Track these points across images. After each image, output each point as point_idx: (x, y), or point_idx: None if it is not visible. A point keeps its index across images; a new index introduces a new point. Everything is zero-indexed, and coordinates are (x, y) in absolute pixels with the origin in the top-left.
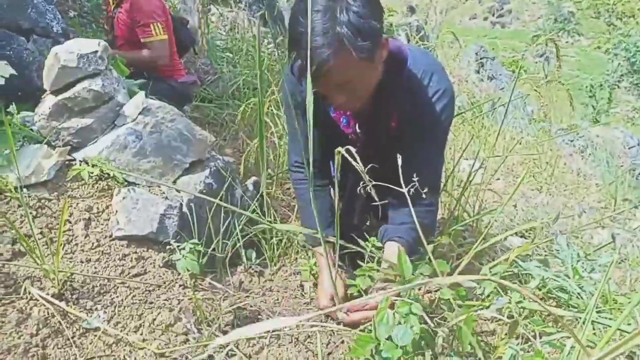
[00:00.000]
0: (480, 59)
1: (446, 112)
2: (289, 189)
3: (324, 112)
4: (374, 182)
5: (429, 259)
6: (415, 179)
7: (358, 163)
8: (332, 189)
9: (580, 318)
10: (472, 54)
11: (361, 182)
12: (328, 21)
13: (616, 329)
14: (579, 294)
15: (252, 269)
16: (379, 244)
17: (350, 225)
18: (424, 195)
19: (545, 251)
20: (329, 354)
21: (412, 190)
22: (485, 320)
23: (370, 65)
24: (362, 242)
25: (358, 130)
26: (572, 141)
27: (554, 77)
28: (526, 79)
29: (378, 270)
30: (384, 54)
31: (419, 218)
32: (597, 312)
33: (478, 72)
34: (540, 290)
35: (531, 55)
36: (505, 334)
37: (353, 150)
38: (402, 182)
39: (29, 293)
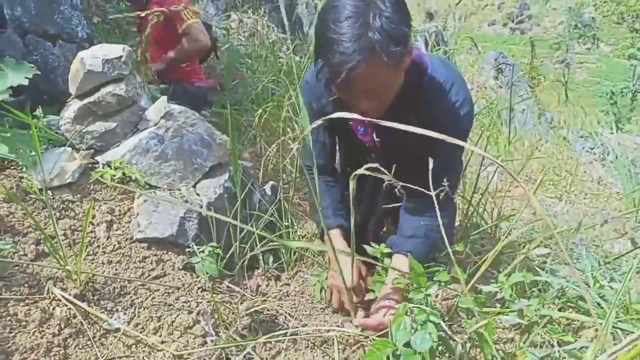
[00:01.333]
0: (499, 65)
1: (465, 121)
2: (305, 194)
3: (343, 122)
4: (398, 183)
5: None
6: (430, 189)
7: (376, 176)
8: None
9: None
10: (491, 60)
11: (381, 189)
12: (360, 27)
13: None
14: (598, 303)
15: (270, 273)
16: (388, 250)
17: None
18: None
19: (564, 260)
20: (345, 359)
21: (427, 200)
22: (503, 328)
23: (397, 71)
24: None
25: (376, 139)
26: (592, 149)
27: (556, 77)
28: (544, 86)
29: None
30: (408, 61)
31: (432, 229)
32: (618, 321)
33: (497, 78)
34: (559, 299)
35: (550, 62)
36: (524, 342)
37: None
38: (418, 189)
39: (52, 293)
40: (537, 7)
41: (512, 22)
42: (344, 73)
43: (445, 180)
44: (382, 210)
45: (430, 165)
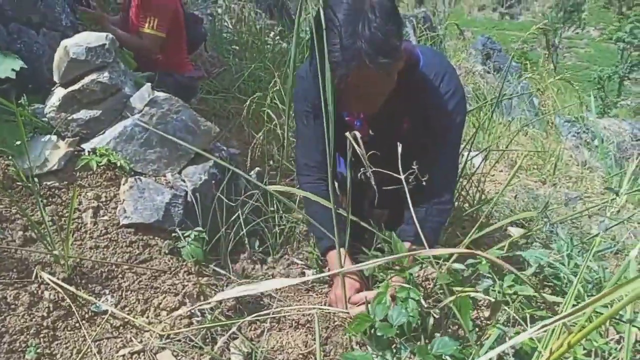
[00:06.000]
0: (488, 50)
1: (458, 110)
2: (292, 179)
3: (338, 116)
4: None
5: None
6: (431, 178)
7: (361, 148)
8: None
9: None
10: (479, 45)
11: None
12: (349, 37)
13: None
14: (571, 281)
15: (255, 257)
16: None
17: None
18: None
19: (543, 241)
20: (327, 337)
21: (428, 189)
22: (481, 306)
23: (388, 78)
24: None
25: (371, 133)
26: (578, 133)
27: (546, 63)
28: (532, 72)
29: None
30: (400, 65)
31: (434, 217)
32: (590, 297)
33: (484, 64)
34: (536, 277)
35: (540, 47)
36: (498, 320)
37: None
38: (418, 181)
39: (40, 277)
40: None
41: (502, 6)
42: (336, 79)
43: (443, 172)
44: (373, 200)
45: (427, 158)
